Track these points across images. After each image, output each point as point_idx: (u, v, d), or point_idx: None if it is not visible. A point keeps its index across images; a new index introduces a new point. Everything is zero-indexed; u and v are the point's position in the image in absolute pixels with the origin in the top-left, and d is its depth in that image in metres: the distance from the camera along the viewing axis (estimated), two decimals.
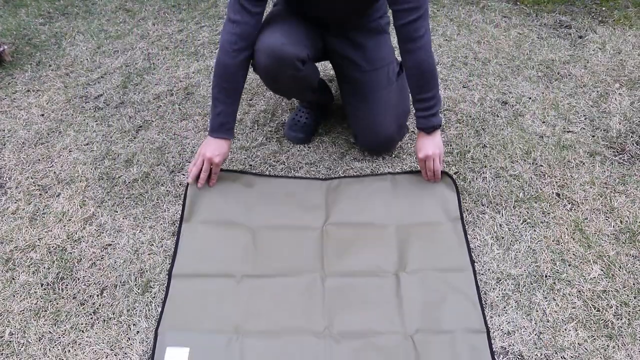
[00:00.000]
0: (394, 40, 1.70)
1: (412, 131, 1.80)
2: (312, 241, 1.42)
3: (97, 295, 1.33)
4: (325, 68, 2.14)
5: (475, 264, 1.39)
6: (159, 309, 1.29)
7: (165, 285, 1.33)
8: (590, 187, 1.60)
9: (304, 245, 1.41)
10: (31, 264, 1.41)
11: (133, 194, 1.60)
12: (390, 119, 1.60)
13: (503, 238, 1.46)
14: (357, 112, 1.64)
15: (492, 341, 1.22)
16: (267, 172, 1.66)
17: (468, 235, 1.45)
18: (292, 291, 1.31)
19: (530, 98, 1.97)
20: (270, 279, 1.33)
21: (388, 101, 1.60)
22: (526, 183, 1.62)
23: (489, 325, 1.25)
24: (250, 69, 1.46)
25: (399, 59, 1.69)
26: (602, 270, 1.38)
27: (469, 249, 1.40)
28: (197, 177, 1.49)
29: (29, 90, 2.06)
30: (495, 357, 1.19)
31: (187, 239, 1.42)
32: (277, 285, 1.32)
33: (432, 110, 1.45)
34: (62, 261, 1.41)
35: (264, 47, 1.38)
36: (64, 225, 1.51)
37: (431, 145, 1.49)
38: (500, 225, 1.50)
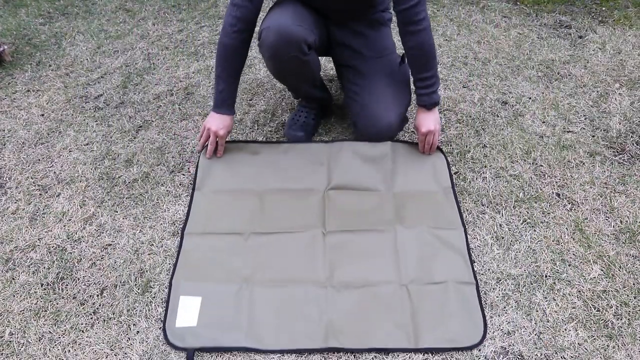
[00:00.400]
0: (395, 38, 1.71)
1: (411, 131, 1.80)
2: (314, 203, 1.53)
3: (97, 295, 1.33)
4: (325, 68, 2.14)
5: (475, 263, 1.39)
6: (159, 309, 1.30)
7: (178, 244, 1.43)
8: (590, 187, 1.60)
9: (307, 206, 1.52)
10: (31, 264, 1.41)
11: (133, 194, 1.60)
12: (391, 106, 1.59)
13: (503, 238, 1.46)
14: (357, 97, 1.63)
15: (492, 341, 1.22)
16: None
17: (469, 236, 1.46)
18: (295, 246, 1.42)
19: (530, 98, 1.97)
20: (276, 235, 1.45)
21: (389, 88, 1.60)
22: (526, 183, 1.62)
23: (489, 325, 1.25)
24: (254, 54, 1.48)
25: (399, 52, 1.69)
26: (602, 270, 1.38)
27: (460, 213, 1.50)
28: (204, 149, 1.62)
29: (29, 90, 2.06)
30: (484, 308, 1.28)
31: (198, 203, 1.53)
32: (282, 241, 1.43)
33: (433, 87, 1.54)
34: (62, 261, 1.41)
35: (273, 26, 1.41)
36: (64, 225, 1.51)
37: (432, 121, 1.58)
38: (500, 225, 1.50)
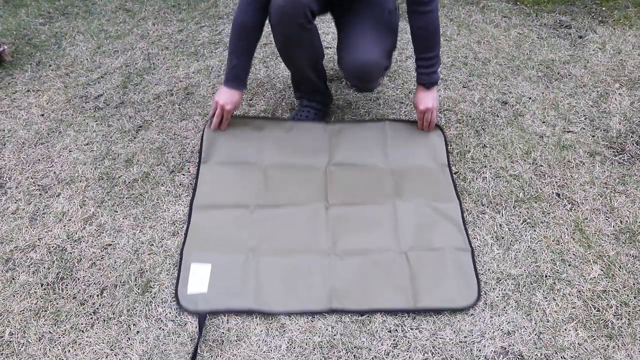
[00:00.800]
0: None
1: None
2: (317, 178, 1.61)
3: (97, 295, 1.33)
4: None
5: (475, 263, 1.39)
6: (159, 309, 1.30)
7: (187, 216, 1.51)
8: (590, 187, 1.60)
9: (310, 181, 1.60)
10: (31, 264, 1.41)
11: (133, 194, 1.60)
12: (377, 43, 1.58)
13: (503, 238, 1.46)
14: (346, 35, 1.63)
15: (492, 341, 1.23)
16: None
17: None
18: (299, 218, 1.49)
19: (530, 98, 1.97)
20: (280, 209, 1.52)
21: (377, 28, 1.60)
22: (526, 183, 1.62)
23: (490, 325, 1.26)
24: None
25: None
26: (602, 270, 1.38)
27: (456, 187, 1.58)
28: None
29: (29, 90, 2.06)
30: (478, 273, 1.36)
31: (205, 177, 1.60)
32: (286, 214, 1.51)
33: (434, 67, 1.59)
34: (62, 261, 1.41)
35: None
36: (64, 225, 1.51)
37: (430, 99, 1.63)
38: (500, 225, 1.50)
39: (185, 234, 1.45)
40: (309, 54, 1.65)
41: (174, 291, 1.33)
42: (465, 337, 1.24)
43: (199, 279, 1.34)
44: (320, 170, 1.63)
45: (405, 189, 1.56)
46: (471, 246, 1.42)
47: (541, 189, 1.60)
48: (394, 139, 1.71)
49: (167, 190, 1.61)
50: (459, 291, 1.31)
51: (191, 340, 1.24)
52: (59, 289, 1.35)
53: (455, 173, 1.65)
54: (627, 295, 1.32)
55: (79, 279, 1.37)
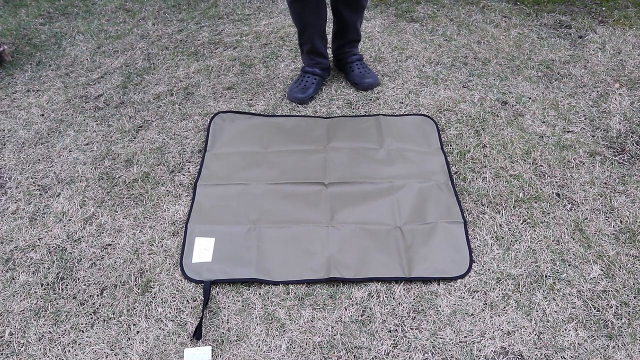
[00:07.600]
0: None
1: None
2: (316, 158, 1.70)
3: (97, 295, 1.33)
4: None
5: (475, 264, 1.39)
6: (159, 309, 1.30)
7: (192, 194, 1.58)
8: (590, 187, 1.60)
9: (310, 161, 1.69)
10: (31, 264, 1.41)
11: (133, 194, 1.60)
12: None
13: (503, 238, 1.46)
14: None
15: (492, 341, 1.23)
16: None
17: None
18: (300, 195, 1.57)
19: (530, 98, 1.97)
20: (281, 185, 1.60)
21: None
22: (526, 183, 1.62)
23: (490, 325, 1.26)
24: None
25: None
26: (602, 270, 1.38)
27: (449, 167, 1.66)
28: None
29: (29, 90, 2.06)
30: (471, 245, 1.42)
31: (209, 161, 1.69)
32: (287, 189, 1.58)
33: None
34: (62, 261, 1.41)
35: None
36: (64, 225, 1.51)
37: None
38: (500, 225, 1.50)
39: (190, 210, 1.51)
40: (320, 13, 1.77)
41: (178, 262, 1.39)
42: (465, 337, 1.24)
43: (203, 250, 1.41)
44: (319, 152, 1.71)
45: (400, 169, 1.65)
46: (464, 218, 1.48)
47: (541, 189, 1.60)
48: (388, 127, 1.81)
49: (167, 190, 1.61)
50: (452, 262, 1.38)
51: (190, 340, 1.24)
52: (59, 289, 1.35)
53: (455, 173, 1.65)
54: (627, 295, 1.32)
55: (79, 279, 1.37)
